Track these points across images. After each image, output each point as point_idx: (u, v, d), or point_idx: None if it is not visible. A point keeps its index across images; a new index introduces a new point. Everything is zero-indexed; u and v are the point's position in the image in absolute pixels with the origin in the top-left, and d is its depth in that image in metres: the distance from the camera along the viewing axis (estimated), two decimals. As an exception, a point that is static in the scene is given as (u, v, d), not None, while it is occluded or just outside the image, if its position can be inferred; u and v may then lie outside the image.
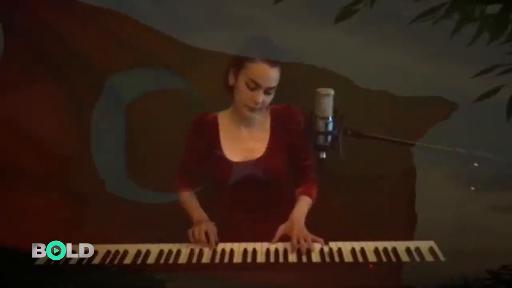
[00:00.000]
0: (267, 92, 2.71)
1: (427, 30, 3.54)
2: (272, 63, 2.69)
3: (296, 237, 2.60)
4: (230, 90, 2.79)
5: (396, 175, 3.12)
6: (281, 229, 2.68)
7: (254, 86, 2.70)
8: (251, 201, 2.80)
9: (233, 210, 2.82)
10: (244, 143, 2.84)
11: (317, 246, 2.58)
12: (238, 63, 2.73)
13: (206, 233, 2.63)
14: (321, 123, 2.39)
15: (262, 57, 2.70)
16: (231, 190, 2.80)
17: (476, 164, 2.32)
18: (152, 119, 3.21)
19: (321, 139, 2.40)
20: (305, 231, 2.64)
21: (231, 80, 2.77)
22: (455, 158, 2.34)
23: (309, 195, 2.82)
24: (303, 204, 2.79)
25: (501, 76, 3.55)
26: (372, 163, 3.11)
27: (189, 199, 2.88)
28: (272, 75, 2.70)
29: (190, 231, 2.66)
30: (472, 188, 2.30)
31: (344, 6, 3.66)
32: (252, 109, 2.74)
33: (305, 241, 2.58)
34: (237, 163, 2.80)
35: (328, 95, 2.39)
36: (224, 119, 2.87)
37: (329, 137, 2.39)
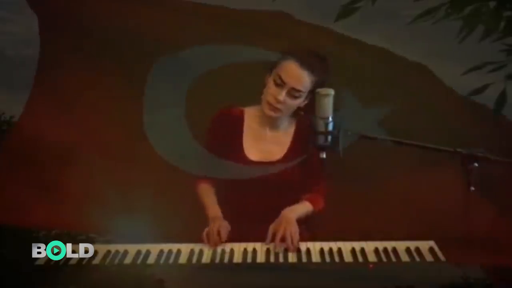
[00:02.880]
0: (291, 94, 2.69)
1: (426, 29, 3.56)
2: (304, 65, 2.67)
3: (282, 230, 2.57)
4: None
5: (396, 175, 3.13)
6: (271, 229, 2.63)
7: (280, 82, 2.69)
8: (260, 203, 2.78)
9: (242, 209, 2.79)
10: (265, 144, 2.83)
11: (317, 245, 2.58)
12: (274, 62, 2.74)
13: (219, 233, 2.61)
14: (321, 123, 2.39)
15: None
16: (243, 188, 2.78)
17: (476, 164, 2.31)
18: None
19: (321, 139, 2.40)
20: (293, 226, 2.61)
21: (266, 80, 2.77)
22: (455, 158, 2.34)
23: (312, 203, 2.78)
24: (301, 206, 2.76)
25: (492, 73, 3.57)
26: (371, 162, 3.11)
27: (207, 193, 2.84)
28: (299, 75, 2.68)
29: (205, 231, 2.64)
30: (472, 188, 2.29)
31: (344, 4, 3.68)
32: (272, 108, 2.71)
33: (291, 234, 2.56)
34: (255, 163, 2.80)
35: (328, 95, 2.39)
36: (250, 116, 2.86)
37: (329, 137, 2.39)
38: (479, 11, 3.53)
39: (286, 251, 2.55)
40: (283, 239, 2.56)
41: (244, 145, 2.83)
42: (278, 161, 2.81)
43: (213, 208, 2.78)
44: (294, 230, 2.60)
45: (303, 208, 2.76)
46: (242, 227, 2.70)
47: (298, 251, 2.54)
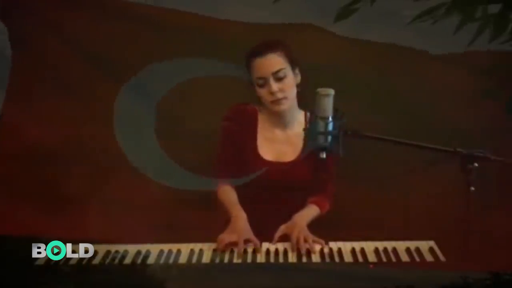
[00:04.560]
0: (278, 77, 2.73)
1: (427, 29, 3.55)
2: (263, 52, 2.73)
3: (296, 237, 2.59)
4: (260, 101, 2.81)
5: (396, 175, 3.13)
6: (281, 230, 2.66)
7: (261, 81, 2.74)
8: (271, 203, 2.80)
9: (252, 209, 2.76)
10: (277, 144, 2.84)
11: (317, 247, 2.57)
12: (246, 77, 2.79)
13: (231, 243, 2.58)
14: (321, 123, 2.39)
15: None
16: (257, 187, 2.79)
17: (476, 164, 2.31)
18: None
19: (321, 139, 2.40)
20: (306, 232, 2.63)
21: (256, 94, 2.79)
22: (455, 158, 2.35)
23: (319, 206, 2.80)
24: (310, 210, 2.77)
25: None
26: (371, 162, 3.11)
27: (229, 196, 2.81)
28: (269, 60, 2.73)
29: (219, 237, 2.61)
30: (472, 188, 2.30)
31: (344, 5, 3.68)
32: (277, 102, 2.74)
33: (305, 241, 2.57)
34: (269, 162, 2.81)
35: (328, 95, 2.39)
36: (263, 116, 2.86)
37: (329, 137, 2.39)
38: (478, 14, 3.53)
39: (286, 251, 2.56)
40: (297, 244, 2.57)
41: (258, 143, 2.84)
42: (292, 162, 2.82)
43: (235, 212, 2.72)
44: (307, 234, 2.61)
45: (312, 212, 2.78)
46: (252, 228, 2.69)
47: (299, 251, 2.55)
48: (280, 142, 2.85)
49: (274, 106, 2.76)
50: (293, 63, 2.78)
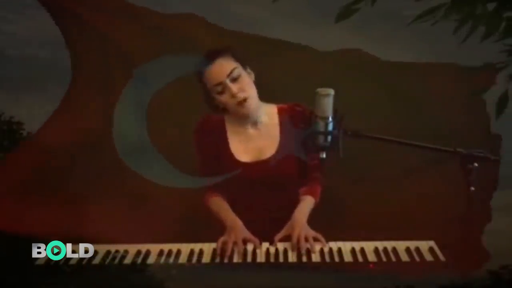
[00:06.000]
0: (234, 78, 2.70)
1: (426, 29, 3.56)
2: (212, 59, 2.72)
3: (296, 236, 2.59)
4: (225, 110, 2.79)
5: (395, 175, 3.13)
6: (282, 232, 2.64)
7: (220, 88, 2.71)
8: (261, 203, 2.78)
9: (242, 212, 2.75)
10: (253, 142, 2.81)
11: (318, 246, 2.57)
12: (204, 93, 2.77)
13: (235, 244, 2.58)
14: (321, 123, 2.38)
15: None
16: (240, 191, 2.78)
17: (476, 164, 2.31)
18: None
19: (321, 139, 2.39)
20: (306, 230, 2.62)
21: (218, 105, 2.77)
22: (455, 158, 2.35)
23: (313, 195, 2.78)
24: (306, 204, 2.75)
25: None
26: (371, 163, 3.11)
27: (221, 204, 2.80)
28: (219, 66, 2.71)
29: (219, 241, 2.60)
30: (472, 188, 2.29)
31: (345, 5, 3.67)
32: (242, 103, 2.71)
33: (306, 240, 2.57)
34: (248, 164, 2.78)
35: (328, 95, 2.38)
36: (230, 120, 2.83)
37: (329, 137, 2.39)
38: (478, 12, 3.53)
39: (286, 251, 2.56)
40: (298, 243, 2.57)
41: (232, 148, 2.80)
42: (273, 157, 2.79)
43: (231, 217, 2.72)
44: (308, 233, 2.60)
45: (309, 205, 2.76)
46: (247, 229, 2.68)
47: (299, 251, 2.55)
48: (255, 139, 2.81)
49: (241, 109, 2.72)
50: (242, 63, 2.76)
